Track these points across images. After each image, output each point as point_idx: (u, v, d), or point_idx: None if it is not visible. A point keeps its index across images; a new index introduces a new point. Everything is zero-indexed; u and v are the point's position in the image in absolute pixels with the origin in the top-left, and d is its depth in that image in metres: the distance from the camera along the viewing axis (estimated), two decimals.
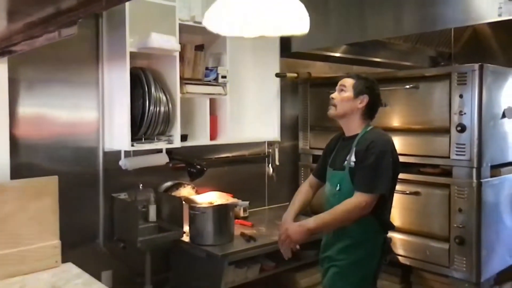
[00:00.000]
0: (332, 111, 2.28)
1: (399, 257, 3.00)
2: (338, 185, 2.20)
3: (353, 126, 2.26)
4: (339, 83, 2.30)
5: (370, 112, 2.26)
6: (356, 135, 2.24)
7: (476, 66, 2.63)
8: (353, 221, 2.12)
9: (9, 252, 1.92)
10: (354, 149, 2.18)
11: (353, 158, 2.16)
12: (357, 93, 2.22)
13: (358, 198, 2.08)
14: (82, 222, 2.74)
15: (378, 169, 2.09)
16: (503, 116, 2.81)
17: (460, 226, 2.68)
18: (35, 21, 1.45)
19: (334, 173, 2.27)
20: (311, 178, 2.49)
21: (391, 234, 2.97)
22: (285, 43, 3.51)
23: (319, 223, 2.13)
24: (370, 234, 2.18)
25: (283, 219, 2.28)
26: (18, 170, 2.38)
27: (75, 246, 2.53)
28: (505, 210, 2.86)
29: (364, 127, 2.25)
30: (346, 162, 2.20)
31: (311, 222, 2.14)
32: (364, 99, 2.22)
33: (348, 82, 2.26)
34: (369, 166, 2.09)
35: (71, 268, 2.06)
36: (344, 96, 2.23)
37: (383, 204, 2.16)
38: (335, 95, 2.28)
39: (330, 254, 2.25)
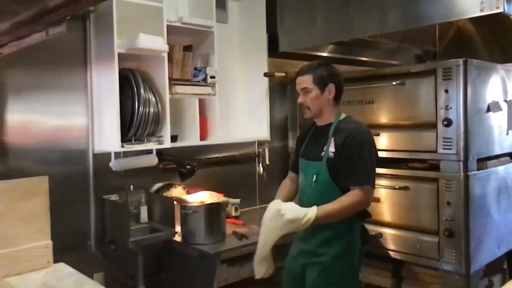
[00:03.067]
0: (308, 115, 2.26)
1: (390, 252, 3.03)
2: (315, 176, 2.17)
3: (327, 116, 2.25)
4: (299, 86, 2.24)
5: (339, 95, 2.24)
6: (330, 124, 2.22)
7: (461, 61, 2.67)
8: (354, 214, 2.13)
9: (0, 252, 1.91)
10: (331, 139, 2.16)
11: (331, 149, 2.14)
12: (322, 86, 2.19)
13: (364, 192, 2.08)
14: (73, 224, 2.74)
15: (370, 161, 2.12)
16: (488, 110, 2.86)
17: (449, 219, 2.72)
18: (23, 20, 1.45)
19: (310, 164, 2.24)
20: (290, 173, 2.48)
21: (381, 229, 3.03)
22: (273, 43, 3.55)
23: (323, 215, 2.05)
24: (349, 224, 2.16)
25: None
26: (8, 176, 2.35)
27: (67, 249, 2.50)
28: (492, 203, 2.90)
29: (337, 114, 2.24)
30: (323, 153, 2.16)
31: (320, 211, 2.07)
32: (331, 88, 2.20)
33: (307, 81, 2.21)
34: (364, 160, 2.10)
35: (63, 268, 2.05)
36: (313, 96, 2.20)
37: None
38: (302, 99, 2.24)
39: (309, 248, 2.22)
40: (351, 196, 2.10)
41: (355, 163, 2.11)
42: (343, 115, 2.25)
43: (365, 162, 2.11)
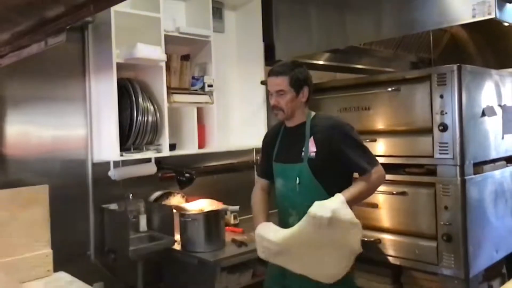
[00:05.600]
0: (281, 116, 2.20)
1: (389, 258, 3.03)
2: (298, 178, 2.11)
3: (298, 116, 2.20)
4: (273, 88, 2.16)
5: (310, 97, 2.21)
6: (302, 123, 2.19)
7: (455, 67, 2.70)
8: None
9: (0, 262, 1.91)
10: (310, 138, 2.13)
11: (312, 149, 2.10)
12: (298, 89, 2.15)
13: (377, 169, 2.09)
14: (73, 234, 2.73)
15: (363, 144, 2.15)
16: (483, 114, 2.89)
17: (447, 223, 2.72)
18: (23, 30, 1.47)
19: (289, 167, 2.18)
20: (261, 181, 2.37)
21: (380, 235, 3.03)
22: (269, 51, 3.59)
23: (350, 199, 1.98)
24: None
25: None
26: (8, 187, 2.35)
27: (66, 259, 2.50)
28: (489, 207, 2.91)
29: (307, 113, 2.22)
30: (303, 154, 2.12)
31: (345, 195, 1.99)
32: (305, 91, 2.17)
33: (283, 82, 2.13)
34: (359, 145, 2.12)
35: (64, 277, 2.05)
36: (288, 99, 2.14)
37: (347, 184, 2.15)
38: (276, 101, 2.15)
39: None
40: (369, 177, 2.08)
41: (355, 153, 2.10)
42: (312, 113, 2.23)
43: (362, 146, 2.13)
